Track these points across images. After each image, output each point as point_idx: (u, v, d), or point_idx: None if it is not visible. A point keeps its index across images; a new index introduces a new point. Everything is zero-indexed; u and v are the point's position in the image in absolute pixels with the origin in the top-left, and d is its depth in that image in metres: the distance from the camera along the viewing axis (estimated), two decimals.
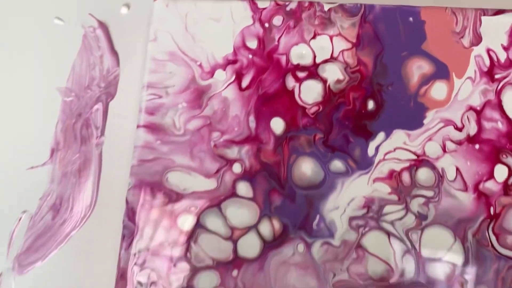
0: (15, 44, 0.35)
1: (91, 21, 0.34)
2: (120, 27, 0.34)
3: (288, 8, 0.31)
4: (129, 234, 0.28)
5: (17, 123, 0.34)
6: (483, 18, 0.30)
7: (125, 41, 0.34)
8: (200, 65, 0.31)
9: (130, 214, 0.28)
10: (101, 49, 0.34)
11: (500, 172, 0.28)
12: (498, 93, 0.28)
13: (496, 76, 0.29)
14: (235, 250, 0.28)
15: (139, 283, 0.27)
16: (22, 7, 0.36)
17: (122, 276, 0.27)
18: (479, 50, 0.29)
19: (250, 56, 0.31)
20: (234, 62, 0.31)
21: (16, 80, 0.34)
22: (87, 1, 0.35)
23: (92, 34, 0.35)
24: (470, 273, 0.27)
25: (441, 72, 0.29)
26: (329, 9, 0.30)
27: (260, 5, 0.31)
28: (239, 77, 0.30)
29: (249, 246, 0.28)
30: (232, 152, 0.30)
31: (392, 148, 0.29)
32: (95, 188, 0.32)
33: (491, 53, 0.29)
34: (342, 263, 0.27)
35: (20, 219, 0.31)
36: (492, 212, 0.27)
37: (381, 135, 0.29)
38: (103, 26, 0.34)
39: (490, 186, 0.28)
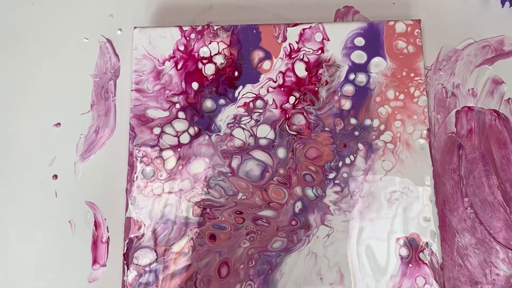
0: (67, 53, 0.47)
1: (103, 39, 0.48)
2: (118, 41, 0.48)
3: (197, 29, 0.45)
4: (132, 137, 0.43)
5: (73, 93, 0.46)
6: (288, 28, 0.44)
7: (121, 49, 0.47)
8: (158, 60, 0.44)
9: (132, 128, 0.42)
10: (109, 53, 0.47)
11: (292, 99, 0.43)
12: (293, 64, 0.44)
13: (292, 56, 0.44)
14: (178, 140, 0.42)
15: (138, 156, 0.43)
16: (69, 33, 0.48)
17: (131, 154, 0.43)
18: (285, 44, 0.44)
19: (181, 54, 0.44)
20: (173, 57, 0.44)
21: (69, 72, 0.47)
22: (100, 28, 0.48)
23: (104, 45, 0.48)
24: (277, 142, 0.43)
25: (268, 56, 0.44)
26: (217, 28, 0.45)
27: (184, 28, 0.45)
28: (176, 64, 0.43)
29: (185, 138, 0.42)
30: (175, 99, 0.43)
31: (245, 92, 0.43)
32: (114, 121, 0.46)
33: (290, 45, 0.44)
34: (224, 142, 0.43)
35: (80, 138, 0.46)
36: (287, 116, 0.43)
37: (240, 87, 0.43)
38: (109, 41, 0.48)
39: (287, 105, 0.43)
